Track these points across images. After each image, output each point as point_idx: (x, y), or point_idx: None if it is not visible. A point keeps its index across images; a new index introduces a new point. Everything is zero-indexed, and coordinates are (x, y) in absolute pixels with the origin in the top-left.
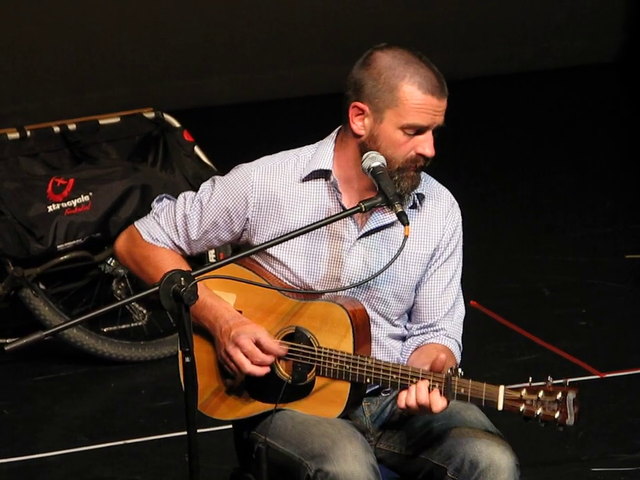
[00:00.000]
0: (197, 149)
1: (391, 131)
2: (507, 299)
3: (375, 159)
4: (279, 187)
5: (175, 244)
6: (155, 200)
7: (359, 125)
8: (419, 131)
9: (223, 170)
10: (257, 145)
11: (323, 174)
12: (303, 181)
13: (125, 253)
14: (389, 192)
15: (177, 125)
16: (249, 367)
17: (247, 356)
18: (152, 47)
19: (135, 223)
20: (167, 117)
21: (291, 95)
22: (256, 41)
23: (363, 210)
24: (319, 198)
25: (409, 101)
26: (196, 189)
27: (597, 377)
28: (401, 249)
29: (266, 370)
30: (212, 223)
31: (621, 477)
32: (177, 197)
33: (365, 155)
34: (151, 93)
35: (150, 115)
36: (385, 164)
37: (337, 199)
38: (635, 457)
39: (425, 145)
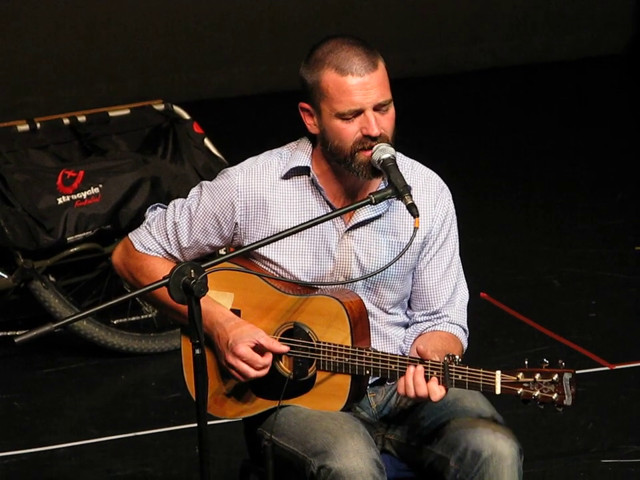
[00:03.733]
0: (206, 141)
1: (330, 122)
2: (517, 291)
3: (384, 151)
4: (264, 188)
5: (167, 252)
6: (147, 209)
7: (310, 124)
8: (356, 113)
9: (233, 161)
10: (267, 136)
11: (304, 171)
12: (284, 178)
13: (120, 265)
14: (398, 184)
15: (187, 116)
16: (254, 374)
17: (248, 363)
18: (162, 38)
19: (129, 234)
20: (177, 108)
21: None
22: (267, 33)
23: (374, 202)
24: (302, 195)
25: (331, 88)
26: (206, 180)
27: (607, 368)
28: (411, 240)
29: (267, 369)
30: (202, 230)
31: (631, 468)
32: (178, 197)
33: (376, 147)
34: (160, 84)
35: (160, 106)
36: (395, 155)
37: (321, 194)
38: None
39: (367, 126)
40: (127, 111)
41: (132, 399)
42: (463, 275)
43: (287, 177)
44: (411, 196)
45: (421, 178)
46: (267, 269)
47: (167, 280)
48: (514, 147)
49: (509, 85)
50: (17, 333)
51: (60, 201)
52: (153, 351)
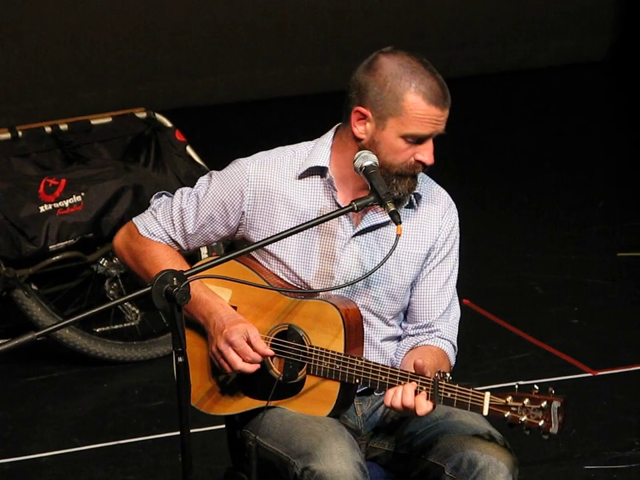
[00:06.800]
0: (188, 149)
1: (392, 138)
2: (500, 297)
3: (367, 158)
4: (275, 181)
5: (171, 238)
6: (153, 196)
7: (360, 129)
8: (420, 139)
9: (215, 169)
10: (249, 144)
11: (319, 171)
12: (297, 176)
13: (122, 248)
14: (381, 191)
15: (169, 124)
16: (241, 365)
17: (238, 354)
18: (143, 46)
19: (133, 219)
20: (159, 116)
21: (282, 94)
22: (248, 40)
23: (356, 209)
24: (314, 194)
25: (412, 111)
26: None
27: (589, 374)
28: (394, 247)
29: (256, 366)
30: (208, 217)
31: (614, 474)
32: (181, 188)
33: (357, 154)
34: (142, 92)
35: (142, 114)
36: (377, 163)
37: (332, 196)
38: (627, 454)
39: (425, 154)
40: (109, 119)
41: (115, 407)
42: (457, 293)
43: (302, 175)
44: (393, 203)
45: (431, 190)
46: (267, 264)
47: (150, 288)
48: (496, 153)
49: (491, 91)
50: None
51: (42, 209)
52: (135, 359)
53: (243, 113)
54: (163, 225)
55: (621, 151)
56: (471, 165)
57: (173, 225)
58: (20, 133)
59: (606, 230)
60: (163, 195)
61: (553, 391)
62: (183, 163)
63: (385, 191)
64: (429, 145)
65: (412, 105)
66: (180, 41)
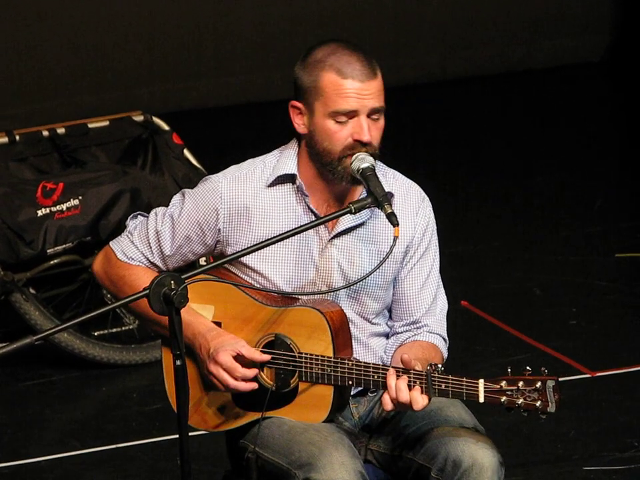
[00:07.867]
0: (186, 152)
1: (321, 121)
2: (498, 299)
3: (363, 160)
4: (248, 195)
5: (149, 261)
6: (128, 218)
7: (299, 123)
8: (352, 117)
9: (213, 172)
10: (246, 147)
11: (289, 178)
12: (269, 186)
13: (101, 274)
14: (378, 193)
15: (166, 127)
16: (232, 383)
17: (227, 372)
18: (141, 50)
19: (110, 243)
20: (156, 119)
21: (279, 97)
22: (245, 43)
23: (353, 211)
24: (286, 203)
25: (329, 88)
26: None
27: (588, 375)
28: (391, 250)
29: (251, 385)
30: (184, 237)
31: (613, 475)
32: (155, 209)
33: (355, 156)
34: (139, 95)
35: (139, 118)
36: (374, 165)
37: (305, 202)
38: (626, 455)
39: (359, 131)
40: (106, 123)
41: (113, 410)
42: (442, 284)
43: (271, 184)
44: (390, 205)
45: (403, 187)
46: (248, 277)
47: (147, 291)
48: (493, 155)
49: (489, 93)
50: None
51: (40, 213)
52: (134, 362)
53: (240, 115)
54: (140, 248)
55: (619, 152)
56: (468, 167)
57: (150, 247)
58: (17, 137)
59: (604, 231)
60: (139, 216)
61: (546, 371)
62: (181, 166)
63: (382, 193)
64: (360, 122)
65: (327, 82)
66: (177, 45)
